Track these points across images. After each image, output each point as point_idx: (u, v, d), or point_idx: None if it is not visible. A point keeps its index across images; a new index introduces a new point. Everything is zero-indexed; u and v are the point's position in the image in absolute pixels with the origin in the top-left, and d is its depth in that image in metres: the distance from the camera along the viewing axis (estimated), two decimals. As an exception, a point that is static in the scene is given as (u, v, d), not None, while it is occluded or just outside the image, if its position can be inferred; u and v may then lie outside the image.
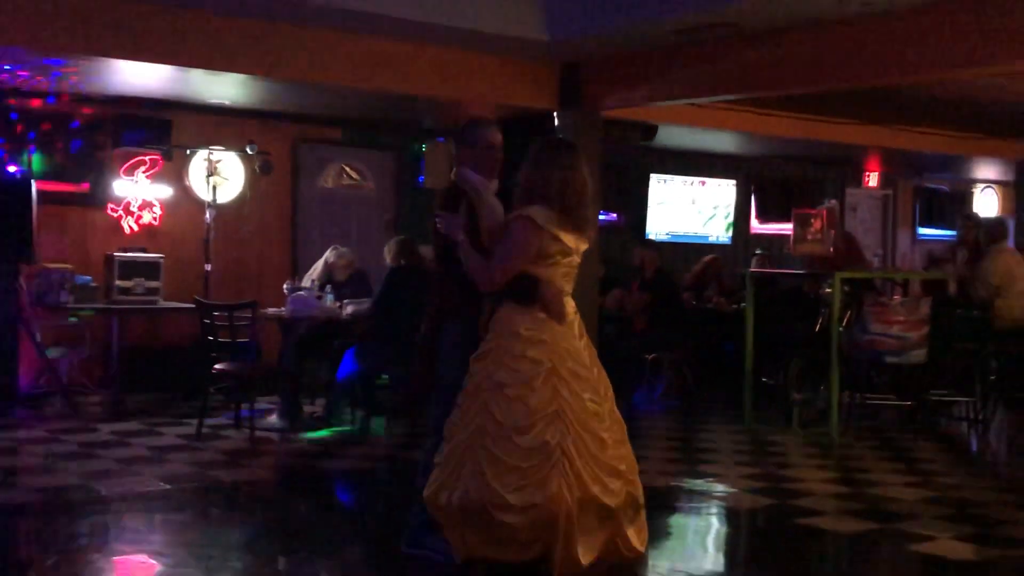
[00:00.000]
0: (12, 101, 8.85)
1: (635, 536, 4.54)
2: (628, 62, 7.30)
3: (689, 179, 13.06)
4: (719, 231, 13.42)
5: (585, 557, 4.35)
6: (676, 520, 6.18)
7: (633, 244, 11.62)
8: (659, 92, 7.40)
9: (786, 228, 13.46)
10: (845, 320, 8.29)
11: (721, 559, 5.64)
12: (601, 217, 8.17)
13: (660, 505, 6.35)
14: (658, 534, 5.89)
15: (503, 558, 4.45)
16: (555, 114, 7.76)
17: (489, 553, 4.45)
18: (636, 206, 12.60)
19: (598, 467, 4.36)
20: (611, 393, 4.60)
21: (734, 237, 13.56)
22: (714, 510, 6.35)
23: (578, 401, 4.38)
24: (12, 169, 8.79)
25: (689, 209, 13.14)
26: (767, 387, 8.93)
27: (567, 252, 4.51)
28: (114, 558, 5.10)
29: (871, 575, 5.41)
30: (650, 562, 5.25)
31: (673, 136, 10.89)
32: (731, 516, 6.25)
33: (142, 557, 5.07)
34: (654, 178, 12.71)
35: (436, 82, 7.43)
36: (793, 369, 8.60)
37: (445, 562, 4.62)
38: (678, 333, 10.00)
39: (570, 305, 4.57)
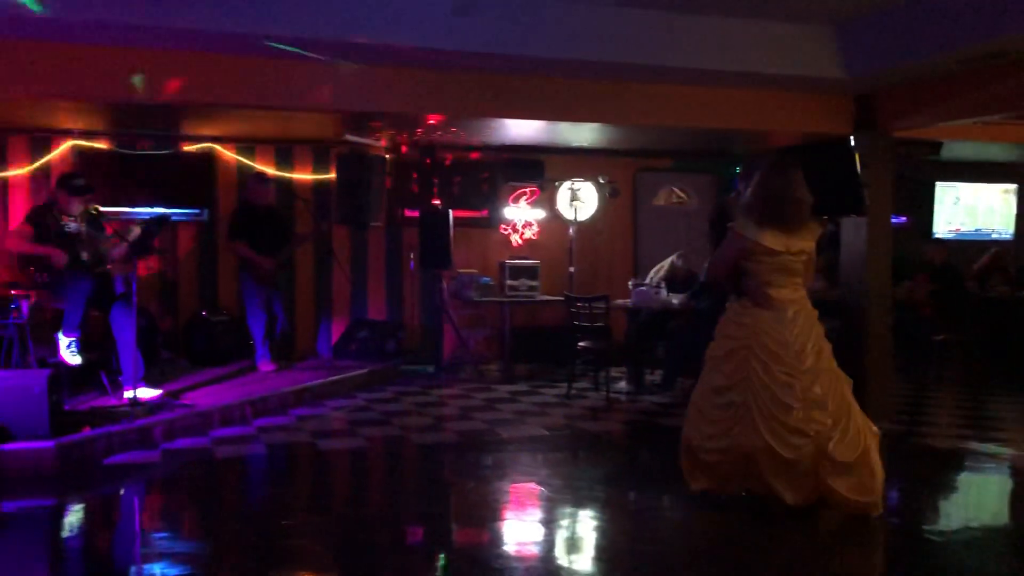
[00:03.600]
0: (435, 152, 9.59)
1: (847, 488, 4.31)
2: (915, 90, 6.73)
3: (972, 185, 11.81)
4: (1001, 228, 12.02)
5: (789, 496, 4.31)
6: (964, 478, 5.67)
7: (921, 242, 10.72)
8: (944, 114, 6.74)
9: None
10: None
11: (1006, 513, 5.10)
12: (893, 220, 7.57)
13: (949, 465, 5.87)
14: (948, 490, 5.47)
15: (719, 489, 4.58)
16: (851, 137, 7.30)
17: (709, 484, 4.59)
18: (924, 209, 11.58)
19: (778, 425, 4.27)
20: (826, 376, 4.37)
21: (1016, 233, 12.08)
22: (1001, 471, 5.73)
23: (767, 371, 4.31)
24: (436, 202, 9.46)
25: (971, 210, 11.89)
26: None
27: (772, 252, 4.40)
28: (512, 484, 5.36)
29: None
30: (943, 512, 4.88)
31: (958, 149, 9.91)
32: (1017, 476, 5.62)
33: (531, 484, 5.28)
34: (939, 185, 11.63)
35: (747, 118, 7.21)
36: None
37: None
38: (962, 317, 9.13)
39: (784, 294, 4.42)
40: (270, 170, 9.31)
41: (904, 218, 11.20)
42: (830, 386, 4.36)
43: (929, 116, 6.86)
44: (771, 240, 4.39)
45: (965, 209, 11.83)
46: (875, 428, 4.48)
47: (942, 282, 9.39)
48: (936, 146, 9.13)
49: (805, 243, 4.45)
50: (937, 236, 11.23)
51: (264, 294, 8.29)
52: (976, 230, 11.90)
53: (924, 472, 5.70)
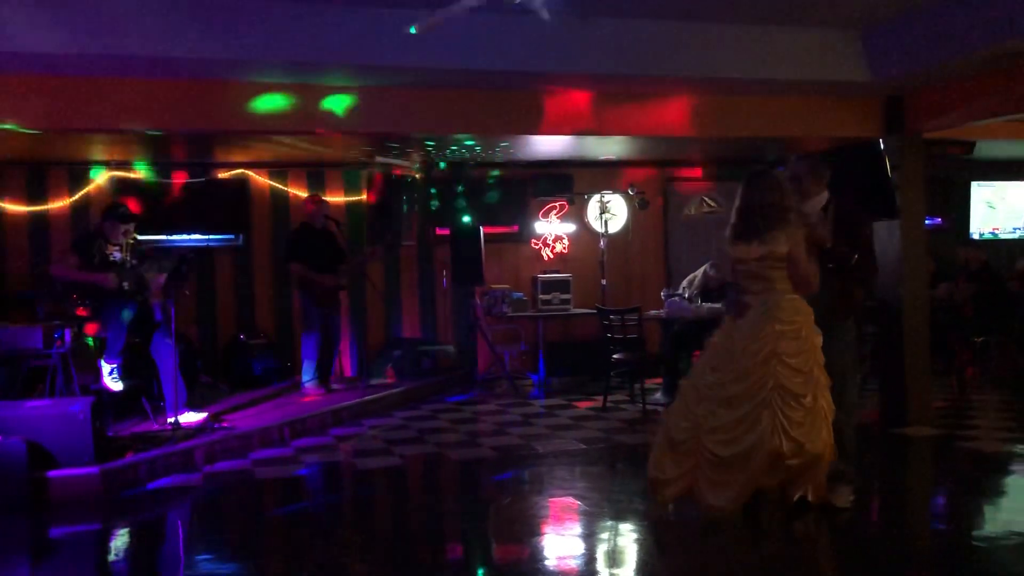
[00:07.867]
0: (464, 170, 9.65)
1: (705, 481, 4.44)
2: (943, 90, 6.65)
3: (1008, 183, 11.60)
4: (1041, 227, 11.80)
5: (673, 488, 4.54)
6: (1011, 481, 5.55)
7: (956, 243, 10.56)
8: (972, 113, 6.64)
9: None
10: None
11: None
12: (927, 222, 7.46)
13: (994, 468, 5.75)
14: (993, 493, 5.36)
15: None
16: (880, 140, 7.22)
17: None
18: (959, 210, 11.40)
19: (697, 417, 4.47)
20: (754, 376, 4.37)
21: (1057, 231, 11.84)
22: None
23: (706, 369, 4.55)
24: (467, 219, 9.51)
25: (1010, 210, 11.67)
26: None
27: (741, 260, 4.56)
28: (549, 499, 5.33)
29: None
30: (987, 516, 4.78)
31: (992, 148, 9.74)
32: (1065, 479, 5.50)
33: (569, 499, 5.24)
34: (975, 184, 11.44)
35: (775, 126, 7.15)
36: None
37: None
38: (1003, 318, 8.95)
39: (756, 300, 4.50)
40: (302, 193, 9.42)
41: (939, 219, 11.04)
42: (749, 386, 4.36)
43: (958, 116, 6.77)
44: (737, 250, 4.58)
45: (1004, 208, 11.63)
46: (825, 453, 4.38)
47: (982, 283, 9.23)
48: (969, 146, 9.00)
49: (768, 248, 4.46)
50: (973, 237, 11.05)
51: (323, 317, 8.20)
52: (1015, 229, 11.69)
53: (969, 476, 5.59)
